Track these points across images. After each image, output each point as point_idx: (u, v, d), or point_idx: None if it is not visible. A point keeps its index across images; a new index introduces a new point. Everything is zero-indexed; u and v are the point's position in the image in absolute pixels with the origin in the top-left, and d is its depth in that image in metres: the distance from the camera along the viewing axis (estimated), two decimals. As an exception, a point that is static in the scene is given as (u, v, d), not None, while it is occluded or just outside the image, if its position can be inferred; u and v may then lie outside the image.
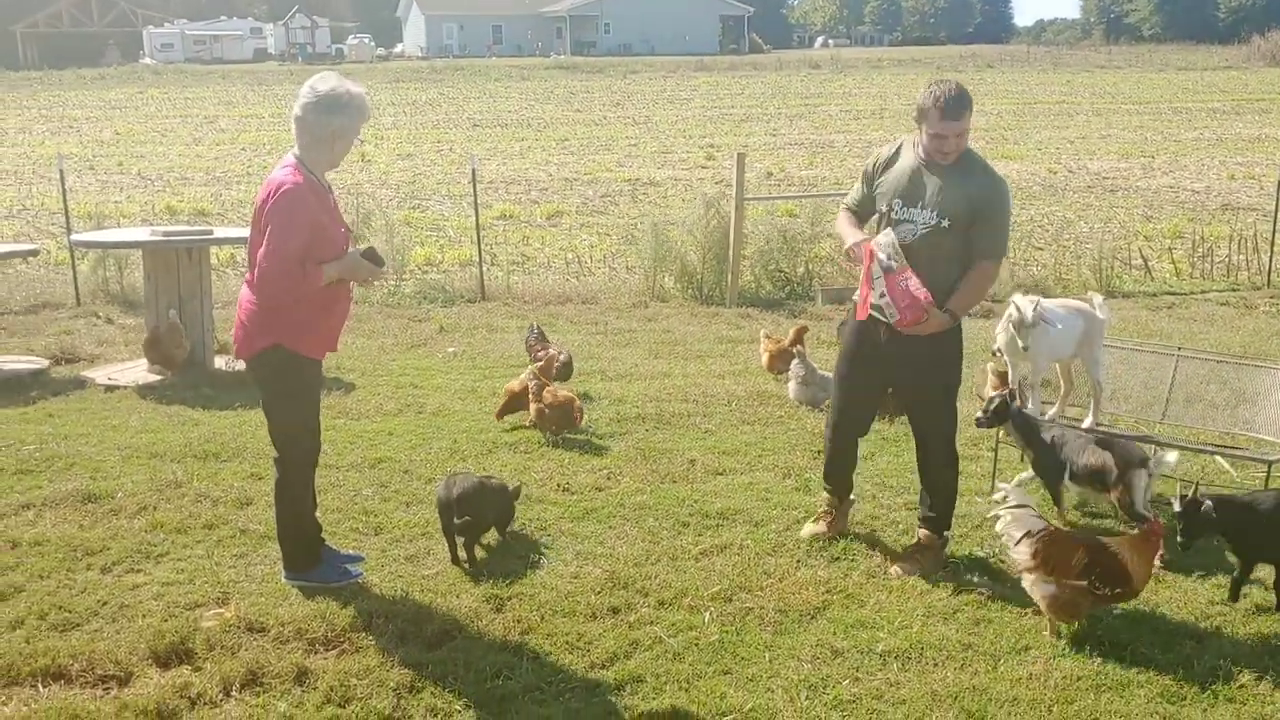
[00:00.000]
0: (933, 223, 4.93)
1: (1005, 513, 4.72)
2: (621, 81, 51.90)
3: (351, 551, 5.21)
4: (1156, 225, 15.79)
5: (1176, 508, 4.76)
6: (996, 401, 5.68)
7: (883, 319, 4.98)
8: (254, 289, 4.66)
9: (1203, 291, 11.94)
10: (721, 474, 6.38)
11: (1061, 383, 6.22)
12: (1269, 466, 5.72)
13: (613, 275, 12.60)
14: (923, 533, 5.29)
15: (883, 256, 4.88)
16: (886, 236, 4.94)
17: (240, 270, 12.23)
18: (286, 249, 4.47)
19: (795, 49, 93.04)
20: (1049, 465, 5.59)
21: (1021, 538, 4.59)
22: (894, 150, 5.15)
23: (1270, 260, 12.34)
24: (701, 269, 11.52)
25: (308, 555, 4.93)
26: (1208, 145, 26.15)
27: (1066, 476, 5.54)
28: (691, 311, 10.93)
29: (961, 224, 4.91)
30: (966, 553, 5.33)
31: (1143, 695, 4.07)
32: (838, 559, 5.22)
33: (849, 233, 5.19)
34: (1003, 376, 6.52)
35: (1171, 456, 5.45)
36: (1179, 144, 26.48)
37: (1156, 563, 4.80)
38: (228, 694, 4.08)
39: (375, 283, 5.99)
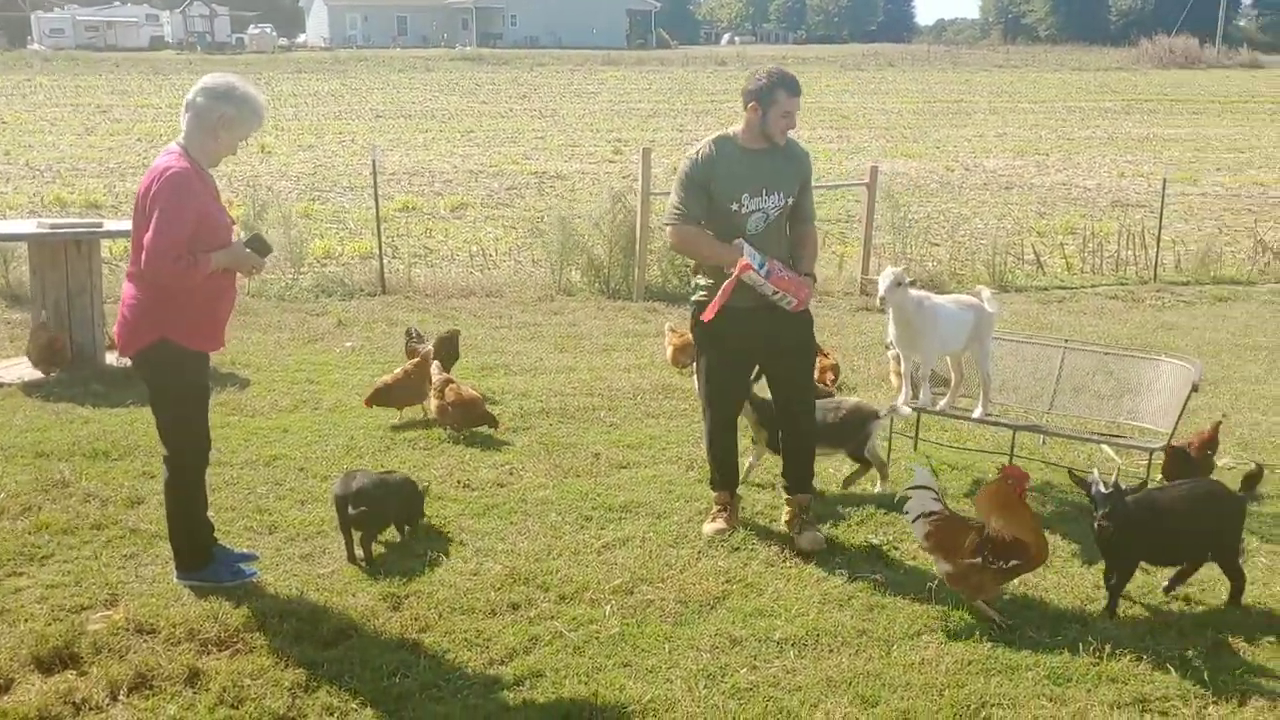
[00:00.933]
0: (781, 204, 5.21)
1: (910, 492, 4.84)
2: (528, 74, 51.61)
3: (245, 550, 5.10)
4: (1049, 222, 16.24)
5: (1100, 490, 4.69)
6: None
7: (783, 305, 5.20)
8: (136, 281, 4.53)
9: (1092, 286, 12.33)
10: (625, 467, 6.40)
11: (952, 374, 6.36)
12: (1151, 454, 5.94)
13: (518, 268, 12.54)
14: (801, 497, 5.49)
15: (757, 265, 5.08)
16: (747, 246, 5.13)
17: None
18: (174, 234, 4.35)
19: (702, 45, 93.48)
20: (776, 440, 5.74)
21: (917, 518, 4.71)
22: (710, 150, 5.21)
23: (1157, 256, 12.80)
24: (608, 263, 11.52)
25: (200, 554, 4.82)
26: (1099, 144, 26.99)
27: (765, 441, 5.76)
28: (598, 305, 10.93)
29: (794, 198, 5.25)
30: (861, 540, 5.43)
31: (1030, 677, 4.19)
32: (737, 549, 5.28)
33: (719, 247, 5.19)
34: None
35: (906, 409, 5.97)
36: (1072, 142, 27.29)
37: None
38: (115, 698, 3.96)
39: (262, 272, 5.86)
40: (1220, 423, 6.31)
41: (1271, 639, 4.52)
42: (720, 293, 5.13)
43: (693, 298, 5.46)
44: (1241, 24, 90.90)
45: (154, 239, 4.37)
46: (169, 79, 44.26)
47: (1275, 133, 29.85)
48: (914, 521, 4.75)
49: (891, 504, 5.81)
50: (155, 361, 4.57)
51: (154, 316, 4.50)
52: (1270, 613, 4.74)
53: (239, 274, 4.78)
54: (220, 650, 4.29)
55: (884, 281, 5.75)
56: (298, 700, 3.97)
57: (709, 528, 5.45)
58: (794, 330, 5.37)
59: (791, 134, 5.31)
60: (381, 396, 7.05)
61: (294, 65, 54.77)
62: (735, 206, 5.17)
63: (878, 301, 5.84)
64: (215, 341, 4.73)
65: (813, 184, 5.46)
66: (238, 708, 3.92)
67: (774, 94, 5.09)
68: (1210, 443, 6.11)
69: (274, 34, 74.76)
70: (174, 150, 4.52)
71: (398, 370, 7.24)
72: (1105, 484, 4.70)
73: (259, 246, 4.72)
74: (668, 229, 5.41)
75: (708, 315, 5.17)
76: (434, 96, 38.82)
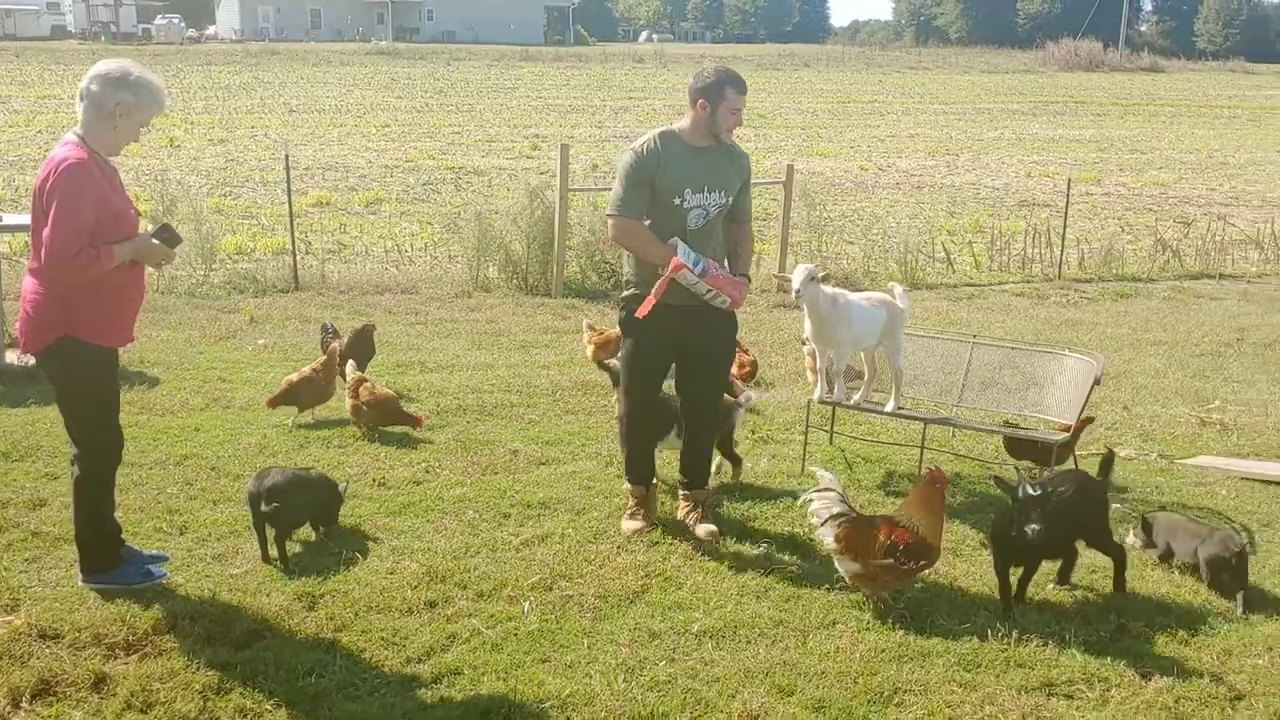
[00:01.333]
0: (722, 203, 5.26)
1: (815, 496, 4.90)
2: (445, 69, 51.14)
3: (155, 552, 4.99)
4: (959, 220, 16.59)
5: (1029, 492, 4.70)
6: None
7: (716, 305, 5.26)
8: (38, 276, 4.39)
9: (1000, 283, 12.63)
10: (544, 464, 6.39)
11: (865, 369, 6.47)
12: (1055, 446, 6.11)
13: (434, 264, 12.42)
14: (699, 491, 5.59)
15: (691, 263, 5.10)
16: (682, 246, 5.16)
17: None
18: (72, 227, 4.22)
19: (620, 42, 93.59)
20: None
21: (826, 521, 4.77)
22: (655, 144, 5.24)
23: (1062, 254, 13.15)
24: (526, 259, 11.47)
25: (107, 556, 4.69)
26: (1007, 145, 27.63)
27: (674, 434, 5.80)
28: (516, 302, 10.88)
29: (733, 197, 5.32)
30: (779, 532, 5.50)
31: (941, 664, 4.29)
32: (657, 544, 5.30)
33: (657, 246, 5.20)
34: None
35: (754, 394, 6.20)
36: (981, 143, 27.89)
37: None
38: (17, 706, 3.85)
39: (171, 264, 5.70)
40: (1089, 420, 6.48)
41: (1169, 622, 4.69)
42: (654, 290, 5.14)
43: (624, 293, 5.47)
44: (1143, 29, 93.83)
45: (52, 233, 4.23)
46: (71, 69, 42.90)
47: (1174, 135, 30.88)
48: (822, 525, 4.82)
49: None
50: (61, 358, 4.44)
51: (57, 312, 4.38)
52: (1165, 597, 4.91)
53: (147, 267, 4.66)
54: (128, 654, 4.19)
55: (797, 277, 5.82)
56: (209, 703, 3.90)
57: (628, 526, 5.46)
58: (721, 330, 5.44)
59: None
60: (287, 396, 6.91)
61: (203, 57, 53.52)
62: (678, 201, 5.19)
63: (792, 296, 5.90)
64: (123, 336, 4.61)
65: (748, 184, 5.51)
66: (146, 712, 3.83)
67: (723, 91, 5.17)
68: (1073, 436, 6.29)
69: (182, 25, 72.96)
70: (71, 140, 4.39)
71: (305, 369, 7.09)
72: (1032, 485, 4.71)
73: (168, 237, 4.60)
74: (609, 220, 5.39)
75: (642, 312, 5.18)
76: (349, 91, 38.25)
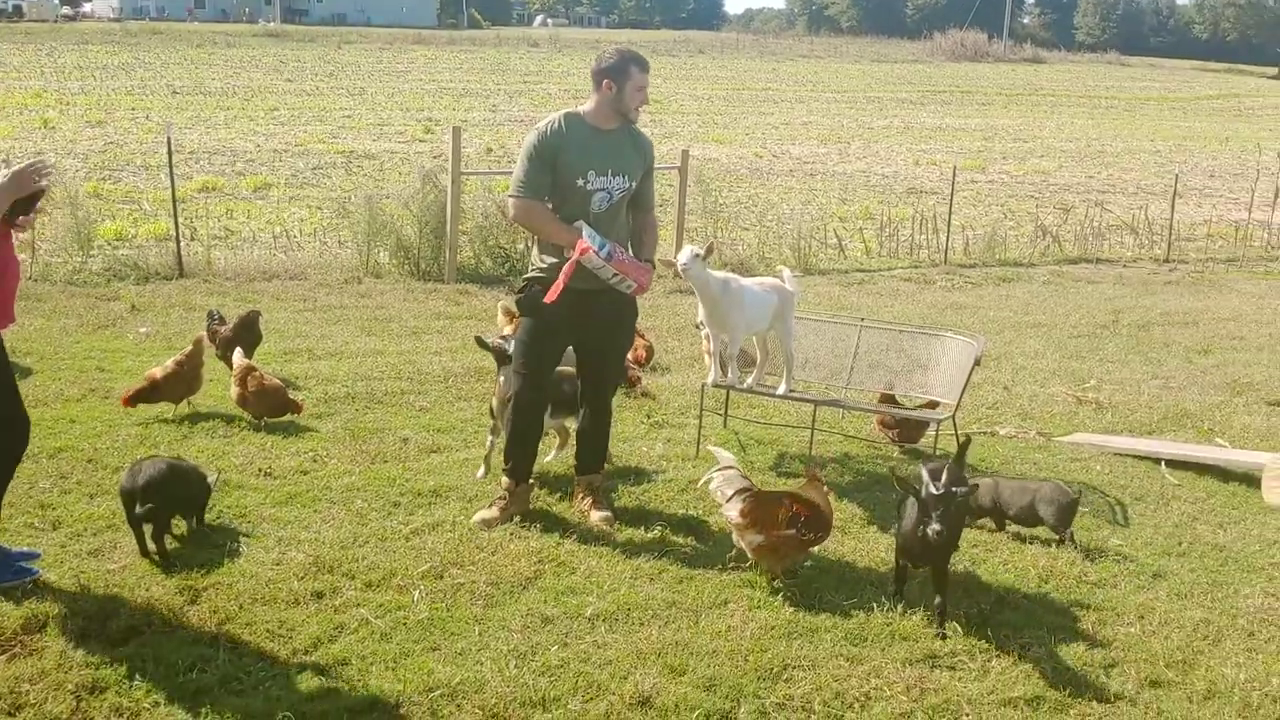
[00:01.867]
0: (625, 187, 5.23)
1: (715, 474, 4.95)
2: (335, 51, 50.06)
3: (25, 549, 4.78)
4: (850, 207, 16.89)
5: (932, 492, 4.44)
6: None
7: (621, 289, 5.23)
8: None
9: (889, 269, 12.89)
10: (436, 452, 6.31)
11: (758, 353, 6.54)
12: (938, 425, 6.27)
13: (324, 250, 12.16)
14: (594, 476, 5.60)
15: (597, 247, 5.07)
16: (588, 229, 5.14)
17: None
18: None
19: (515, 26, 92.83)
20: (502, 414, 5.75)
21: (732, 496, 4.83)
22: (560, 124, 5.21)
23: (948, 240, 13.49)
24: (419, 244, 11.31)
25: None
26: (896, 133, 28.22)
27: (547, 415, 5.72)
28: (408, 288, 10.73)
29: (636, 183, 5.30)
30: (673, 514, 5.53)
31: (829, 639, 4.37)
32: (550, 529, 5.28)
33: (561, 228, 5.18)
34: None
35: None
36: (871, 131, 28.43)
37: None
38: (-126, 713, 3.66)
39: (46, 207, 5.31)
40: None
41: (1047, 593, 4.85)
42: (561, 274, 5.09)
43: (528, 274, 5.40)
44: (1025, 21, 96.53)
45: None
46: (-64, 47, 40.90)
47: (1055, 124, 31.90)
48: (727, 501, 4.86)
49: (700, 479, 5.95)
50: None
51: None
52: (1044, 570, 5.07)
53: (21, 232, 4.40)
54: (-4, 655, 4.02)
55: (683, 255, 5.84)
56: (83, 703, 3.76)
57: (479, 515, 5.33)
58: (624, 317, 5.43)
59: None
60: (147, 394, 6.52)
61: (79, 36, 51.42)
62: (581, 183, 5.15)
63: (679, 271, 5.88)
64: (4, 318, 4.37)
65: (652, 172, 5.46)
66: (15, 715, 3.68)
67: (628, 69, 5.14)
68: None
69: (56, 1, 70.06)
70: None
71: (168, 361, 6.71)
72: (936, 483, 4.41)
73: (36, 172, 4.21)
74: (510, 201, 5.33)
75: (550, 297, 5.10)
76: (235, 73, 37.20)
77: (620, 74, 5.15)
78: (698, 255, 5.83)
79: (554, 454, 6.12)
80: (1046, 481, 5.59)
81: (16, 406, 4.50)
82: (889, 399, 6.66)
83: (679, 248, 11.82)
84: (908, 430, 6.67)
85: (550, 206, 5.23)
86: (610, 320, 5.38)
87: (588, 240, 5.08)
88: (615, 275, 5.15)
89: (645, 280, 5.27)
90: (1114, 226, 15.17)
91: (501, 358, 5.67)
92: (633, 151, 5.29)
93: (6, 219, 4.28)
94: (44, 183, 4.32)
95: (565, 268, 5.09)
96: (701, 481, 5.23)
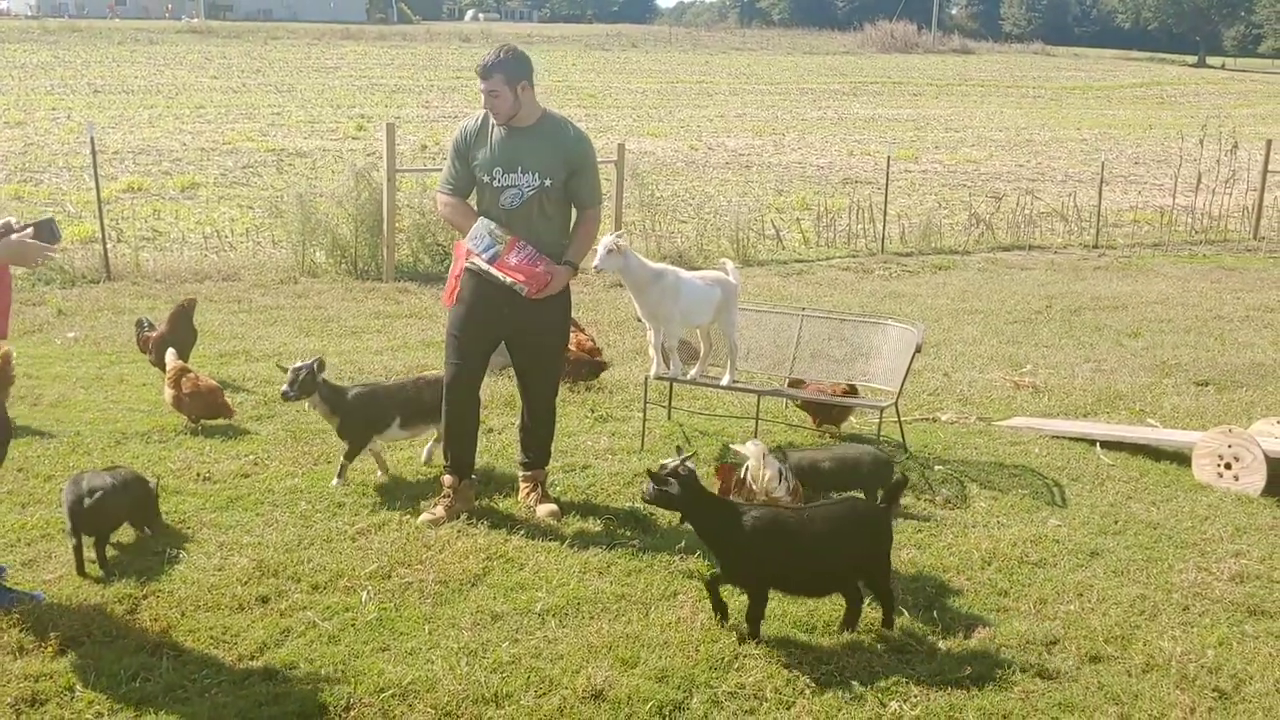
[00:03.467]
0: (536, 184, 5.20)
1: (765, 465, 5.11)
2: (262, 47, 49.25)
3: None
4: (787, 198, 17.00)
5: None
6: (303, 374, 5.49)
7: (517, 290, 5.16)
8: None
9: (827, 259, 13.00)
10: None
11: (700, 345, 6.55)
12: (881, 412, 6.34)
13: (257, 250, 11.97)
14: (538, 472, 5.60)
15: (479, 250, 5.12)
16: (479, 229, 5.17)
17: None
18: None
19: (445, 21, 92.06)
20: (355, 428, 5.64)
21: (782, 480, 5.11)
22: (479, 121, 5.29)
23: (884, 229, 13.64)
24: (355, 243, 11.18)
25: None
26: (830, 124, 28.46)
27: (396, 425, 5.72)
28: (345, 287, 10.60)
29: (560, 181, 5.24)
30: (620, 508, 5.53)
31: (778, 627, 4.39)
32: (497, 526, 5.25)
33: (468, 224, 5.28)
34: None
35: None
36: (805, 122, 28.64)
37: None
38: None
39: (46, 262, 5.15)
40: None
41: (989, 576, 4.92)
42: (450, 276, 5.24)
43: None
44: (953, 12, 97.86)
45: None
46: None
47: (985, 114, 32.39)
48: (779, 484, 5.08)
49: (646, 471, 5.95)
50: None
51: None
52: (986, 553, 5.15)
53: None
54: (-71, 671, 3.90)
55: (600, 251, 5.77)
56: (23, 716, 3.67)
57: (424, 516, 5.31)
58: (546, 316, 5.36)
59: (568, 116, 5.37)
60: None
61: (-4, 34, 50.04)
62: (488, 180, 5.23)
63: (594, 268, 5.85)
64: (2, 332, 4.23)
65: (588, 170, 5.37)
66: (-48, 731, 3.58)
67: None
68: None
69: (-31, -1, 68.11)
70: None
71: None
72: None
73: (48, 234, 4.12)
74: (437, 196, 5.47)
75: (446, 300, 5.28)
76: (159, 70, 36.44)
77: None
78: (611, 251, 5.76)
79: (425, 455, 6.04)
80: (865, 448, 5.80)
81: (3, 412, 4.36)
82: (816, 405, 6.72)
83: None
84: (824, 414, 6.77)
85: (473, 203, 5.32)
86: (534, 320, 5.32)
87: (471, 242, 5.15)
88: (503, 277, 5.12)
89: (537, 285, 5.15)
90: (1045, 214, 15.45)
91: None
92: (550, 150, 5.21)
93: None
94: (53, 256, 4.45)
95: (452, 270, 5.20)
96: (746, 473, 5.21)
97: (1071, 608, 4.66)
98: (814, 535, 4.28)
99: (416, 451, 6.19)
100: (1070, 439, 6.77)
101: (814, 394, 6.64)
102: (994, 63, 59.37)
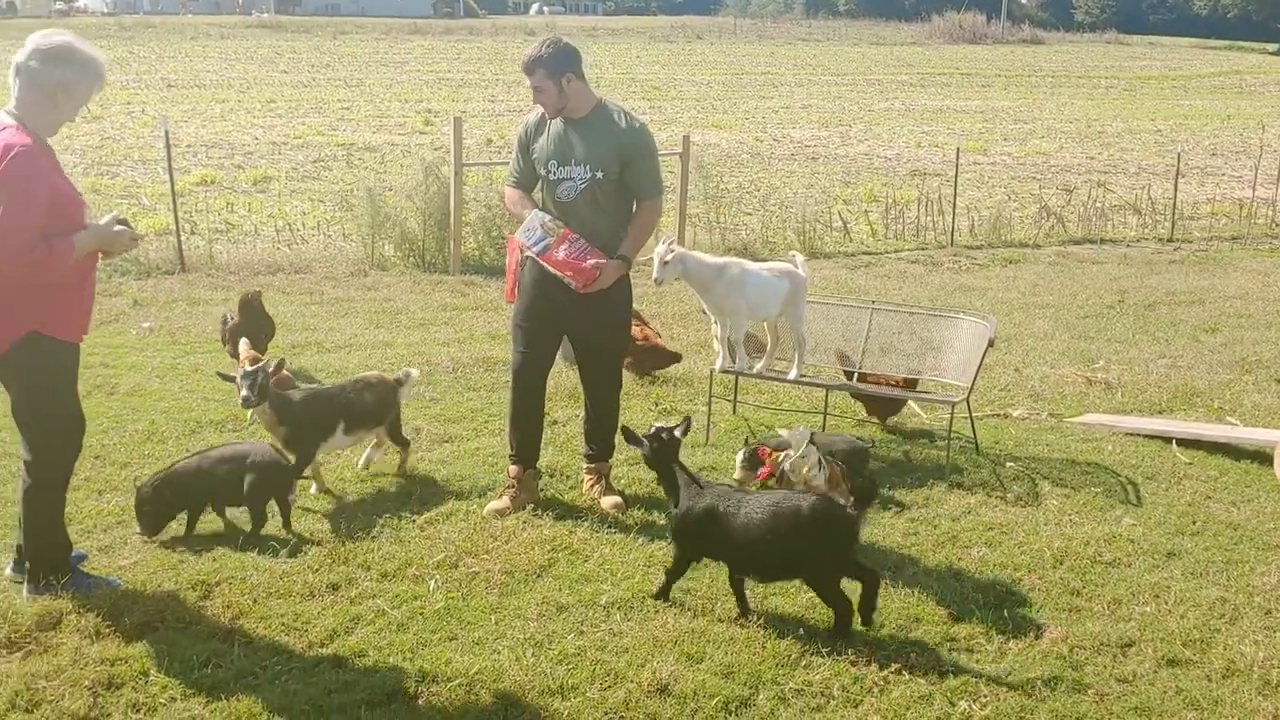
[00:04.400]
0: (589, 176, 5.18)
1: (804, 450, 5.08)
2: (330, 42, 49.89)
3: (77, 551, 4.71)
4: (854, 190, 16.82)
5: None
6: (260, 379, 5.27)
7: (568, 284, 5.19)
8: None
9: (895, 251, 12.84)
10: (448, 441, 6.30)
11: (768, 339, 6.50)
12: (953, 407, 6.24)
13: (328, 243, 12.12)
14: (602, 464, 5.58)
15: (530, 244, 5.14)
16: (531, 221, 5.18)
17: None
18: (27, 223, 3.92)
19: (511, 15, 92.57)
20: (304, 436, 5.39)
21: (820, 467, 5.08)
22: (539, 115, 5.32)
23: (953, 221, 13.43)
24: (423, 236, 11.28)
25: (60, 566, 4.39)
26: (897, 115, 28.10)
27: (341, 431, 5.50)
28: (413, 279, 10.69)
29: (614, 173, 5.19)
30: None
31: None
32: (563, 518, 5.27)
33: (527, 213, 5.33)
34: None
35: (415, 371, 6.00)
36: (873, 114, 28.31)
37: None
38: (-110, 712, 3.65)
39: (128, 254, 5.28)
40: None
41: (1061, 575, 4.83)
42: (508, 272, 5.29)
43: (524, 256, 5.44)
44: (1024, 1, 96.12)
45: (7, 228, 3.90)
46: (-68, 45, 40.81)
47: (1055, 105, 31.77)
48: (818, 471, 5.05)
49: (711, 465, 5.94)
50: (27, 357, 4.13)
51: (20, 309, 4.07)
52: (1059, 551, 5.06)
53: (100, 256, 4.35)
54: (10, 652, 4.01)
55: (655, 264, 5.77)
56: (100, 699, 3.75)
57: (491, 506, 5.35)
58: (607, 313, 5.33)
59: (618, 106, 5.34)
60: None
61: (73, 31, 51.17)
62: (544, 173, 5.27)
63: (655, 283, 5.90)
64: (84, 330, 4.34)
65: (644, 160, 5.28)
66: (32, 711, 3.67)
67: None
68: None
69: (50, -3, 69.85)
70: (9, 124, 4.05)
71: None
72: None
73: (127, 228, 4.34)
74: (505, 189, 5.55)
75: (508, 297, 5.33)
76: (230, 65, 37.09)
77: None
78: (666, 262, 5.75)
79: (363, 461, 5.86)
80: (839, 435, 5.86)
81: (77, 424, 4.44)
82: (911, 382, 6.64)
83: (681, 234, 11.82)
84: (880, 407, 6.69)
85: (530, 199, 5.39)
86: (594, 317, 5.30)
87: (522, 235, 5.18)
88: (552, 270, 5.13)
89: (584, 279, 5.12)
90: (1117, 207, 15.11)
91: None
92: (600, 141, 5.17)
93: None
94: (133, 249, 4.55)
95: (508, 265, 5.26)
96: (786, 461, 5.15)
97: (1148, 609, 4.55)
98: (755, 524, 4.23)
99: (484, 443, 6.22)
100: (1145, 437, 6.61)
101: (886, 390, 6.56)
102: (1065, 53, 58.24)
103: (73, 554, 4.56)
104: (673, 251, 5.78)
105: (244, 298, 7.43)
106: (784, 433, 5.33)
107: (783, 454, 5.16)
